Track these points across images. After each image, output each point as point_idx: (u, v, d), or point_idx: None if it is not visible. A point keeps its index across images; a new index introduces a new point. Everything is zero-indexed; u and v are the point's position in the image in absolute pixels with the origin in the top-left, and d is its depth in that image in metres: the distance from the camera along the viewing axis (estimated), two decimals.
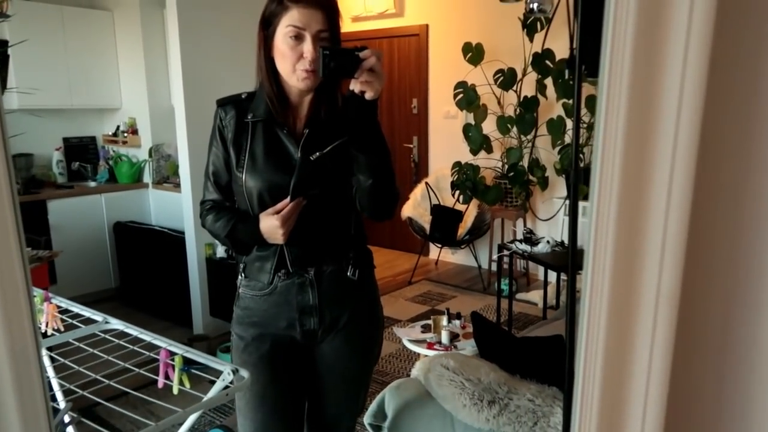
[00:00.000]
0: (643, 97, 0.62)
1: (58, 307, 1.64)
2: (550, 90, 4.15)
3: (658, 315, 0.65)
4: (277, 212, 1.32)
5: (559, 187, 4.52)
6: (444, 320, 2.82)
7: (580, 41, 1.33)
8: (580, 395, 0.71)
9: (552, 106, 4.29)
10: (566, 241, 3.94)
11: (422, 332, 2.91)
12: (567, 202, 4.38)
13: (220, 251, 3.62)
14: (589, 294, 0.67)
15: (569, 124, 4.17)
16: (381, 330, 1.57)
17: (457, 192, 4.51)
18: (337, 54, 1.20)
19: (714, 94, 0.62)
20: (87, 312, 1.62)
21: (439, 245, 5.00)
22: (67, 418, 1.11)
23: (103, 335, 1.51)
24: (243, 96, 1.41)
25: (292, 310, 1.41)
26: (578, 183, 1.31)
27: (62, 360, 1.37)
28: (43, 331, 1.54)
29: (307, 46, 1.25)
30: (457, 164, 4.49)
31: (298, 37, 1.26)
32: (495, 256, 4.23)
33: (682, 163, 0.62)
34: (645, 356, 0.67)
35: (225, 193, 1.45)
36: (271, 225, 1.32)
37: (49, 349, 1.52)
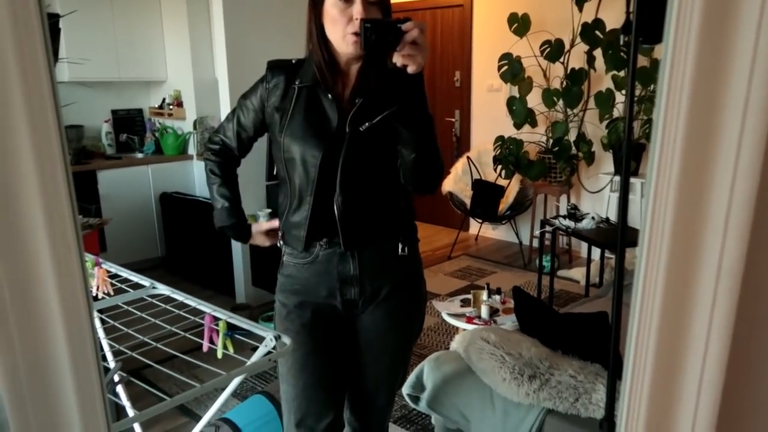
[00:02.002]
0: (711, 62, 0.58)
1: (108, 272, 1.69)
2: (599, 62, 4.01)
3: (718, 294, 0.62)
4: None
5: (606, 163, 4.40)
6: (484, 295, 2.80)
7: (638, 6, 1.26)
8: (631, 375, 0.69)
9: (600, 79, 4.15)
10: (612, 218, 3.84)
11: (461, 306, 2.90)
12: (614, 177, 4.26)
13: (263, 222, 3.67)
14: (644, 271, 0.64)
15: (618, 97, 4.03)
16: (423, 305, 1.56)
17: (500, 167, 4.44)
18: (379, 26, 1.17)
19: None
20: (135, 277, 1.66)
21: (480, 220, 4.95)
22: (116, 378, 1.15)
23: (150, 300, 1.55)
24: (293, 61, 1.41)
25: (332, 280, 1.42)
26: (630, 157, 1.26)
27: (112, 322, 1.42)
28: (93, 294, 1.59)
29: (357, 8, 1.23)
30: (500, 138, 4.41)
31: (348, 0, 1.24)
32: (537, 232, 4.16)
33: (750, 132, 0.58)
34: (702, 338, 0.64)
35: (239, 144, 1.51)
36: (260, 240, 1.57)
37: (100, 311, 1.58)
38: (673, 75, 0.60)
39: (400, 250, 1.43)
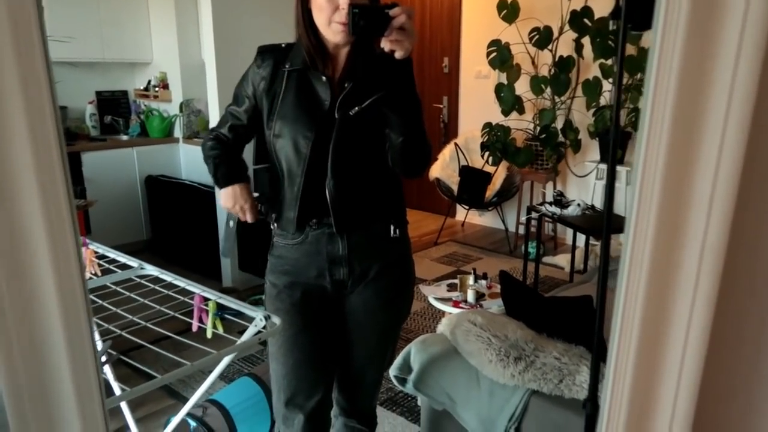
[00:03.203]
0: (699, 48, 0.59)
1: (96, 252, 1.68)
2: (587, 50, 4.03)
3: (701, 275, 0.64)
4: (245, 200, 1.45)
5: (592, 151, 4.43)
6: (470, 279, 2.82)
7: None
8: (615, 355, 0.71)
9: (588, 67, 4.17)
10: (597, 205, 3.88)
11: (448, 291, 2.92)
12: (599, 165, 4.30)
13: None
14: (630, 254, 0.66)
15: (605, 85, 4.06)
16: (412, 286, 1.58)
17: (487, 153, 4.45)
18: (367, 12, 1.17)
19: None
20: (123, 258, 1.66)
21: (467, 207, 4.98)
22: (104, 357, 1.16)
23: (138, 280, 1.55)
24: (283, 45, 1.42)
25: (322, 260, 1.43)
26: (617, 144, 1.27)
27: (100, 302, 1.42)
28: None
29: None
30: (488, 125, 4.42)
31: None
32: (523, 219, 4.20)
33: (736, 118, 0.59)
34: (684, 318, 0.66)
35: (236, 136, 1.49)
36: (239, 195, 1.44)
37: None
38: (662, 60, 0.61)
39: (391, 232, 1.44)
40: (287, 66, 1.38)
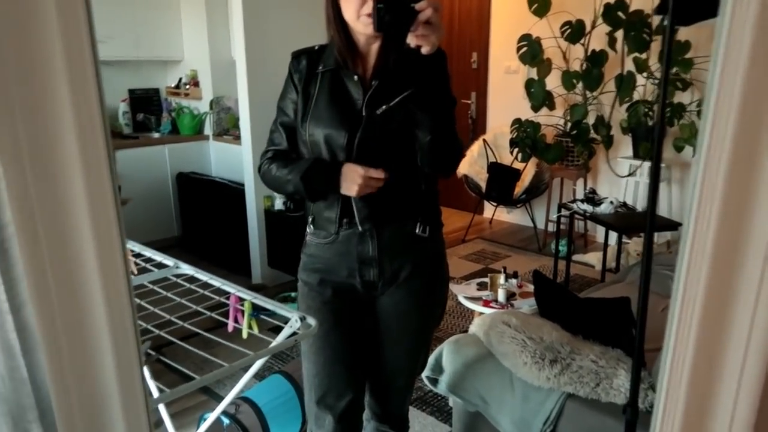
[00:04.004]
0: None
1: (132, 251, 1.71)
2: (620, 43, 3.94)
3: (763, 284, 0.61)
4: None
5: (624, 146, 4.35)
6: (501, 278, 2.80)
7: None
8: (669, 368, 0.69)
9: (621, 61, 4.09)
10: (629, 202, 3.81)
11: (478, 290, 2.90)
12: (633, 162, 4.21)
13: (279, 203, 3.68)
14: (687, 261, 0.64)
15: (639, 80, 3.97)
16: (445, 289, 1.55)
17: (516, 150, 4.40)
18: (392, 6, 1.15)
19: None
20: (158, 256, 1.68)
21: (495, 204, 4.93)
22: (143, 357, 1.17)
23: (174, 279, 1.57)
24: (316, 47, 1.41)
25: (352, 260, 1.43)
26: (662, 142, 1.24)
27: (138, 301, 1.44)
28: None
29: None
30: (517, 121, 4.37)
31: None
32: (554, 216, 4.14)
33: None
34: (744, 330, 0.63)
35: (294, 143, 1.45)
36: (353, 171, 1.31)
37: None
38: (726, 63, 0.58)
39: (419, 231, 1.42)
40: (321, 67, 1.38)
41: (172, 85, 4.70)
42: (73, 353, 0.71)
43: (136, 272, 1.66)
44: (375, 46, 1.35)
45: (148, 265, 1.65)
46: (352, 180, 1.31)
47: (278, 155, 1.46)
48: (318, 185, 1.37)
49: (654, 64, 3.92)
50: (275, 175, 1.44)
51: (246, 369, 1.52)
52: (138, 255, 1.70)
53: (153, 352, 1.17)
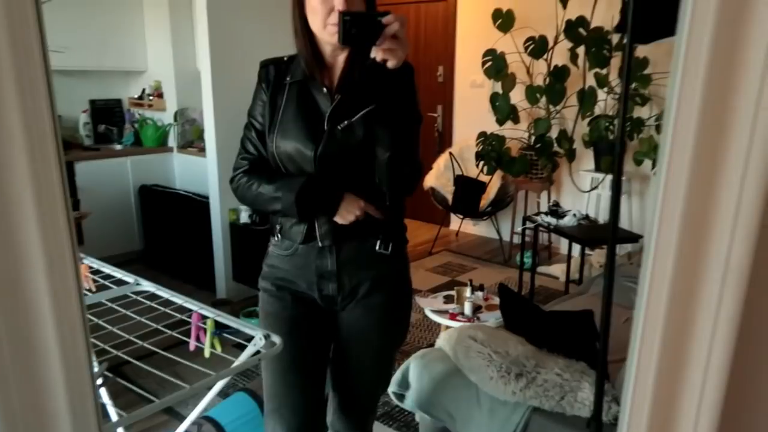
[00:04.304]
0: (725, 62, 0.58)
1: (90, 267, 1.65)
2: (582, 59, 4.04)
3: (724, 295, 0.62)
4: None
5: (587, 160, 4.44)
6: (467, 291, 2.81)
7: (632, 8, 1.27)
8: (634, 380, 0.69)
9: (583, 76, 4.18)
10: (591, 215, 3.89)
11: (444, 303, 2.90)
12: (594, 175, 4.30)
13: (244, 216, 3.63)
14: (651, 272, 0.65)
15: (600, 95, 4.07)
16: (407, 307, 1.51)
17: (482, 163, 4.45)
18: (359, 19, 1.14)
19: None
20: (118, 273, 1.63)
21: (461, 216, 4.97)
22: (100, 380, 1.13)
23: (134, 296, 1.52)
24: (285, 58, 1.40)
25: (311, 274, 1.41)
26: (623, 155, 1.27)
27: (95, 320, 1.39)
28: None
29: None
30: (483, 134, 4.42)
31: None
32: (519, 229, 4.19)
33: (762, 135, 0.58)
34: (705, 341, 0.65)
35: (264, 154, 1.41)
36: (355, 201, 1.32)
37: None
38: (686, 75, 0.60)
39: (380, 248, 1.39)
40: (288, 78, 1.36)
41: (135, 96, 4.61)
42: (20, 380, 0.67)
43: (94, 289, 1.61)
44: (341, 58, 1.33)
45: (107, 282, 1.60)
46: (350, 211, 1.31)
47: (255, 167, 1.40)
48: (313, 207, 1.33)
49: (614, 79, 4.03)
50: (258, 191, 1.38)
51: (209, 387, 1.48)
52: (97, 272, 1.65)
53: (110, 374, 1.13)
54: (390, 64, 1.16)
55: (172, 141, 4.48)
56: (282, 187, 1.33)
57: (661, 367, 0.69)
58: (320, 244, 1.37)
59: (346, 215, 1.32)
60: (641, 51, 3.94)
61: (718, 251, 0.62)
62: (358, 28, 1.13)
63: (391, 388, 1.91)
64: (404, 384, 1.90)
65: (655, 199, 0.65)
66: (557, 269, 4.26)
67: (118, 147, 4.43)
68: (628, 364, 0.73)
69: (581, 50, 4.02)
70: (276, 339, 1.25)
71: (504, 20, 4.27)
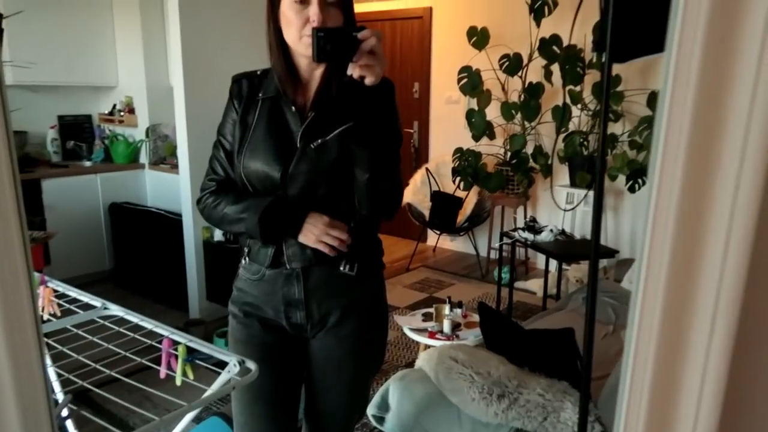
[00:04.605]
0: (715, 79, 0.56)
1: (55, 291, 1.58)
2: (556, 76, 4.09)
3: (717, 317, 0.60)
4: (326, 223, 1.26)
5: (562, 175, 4.48)
6: (446, 309, 2.78)
7: (611, 26, 1.27)
8: (627, 402, 0.67)
9: (557, 93, 4.23)
10: (567, 230, 3.90)
11: (423, 321, 2.87)
12: (569, 189, 4.34)
13: (218, 234, 3.56)
14: (643, 290, 0.62)
15: (574, 111, 4.12)
16: (381, 337, 1.45)
17: (458, 178, 4.46)
18: (333, 35, 1.10)
19: None
20: (85, 297, 1.56)
21: (438, 232, 4.96)
22: (65, 412, 1.07)
23: (102, 321, 1.46)
24: (258, 72, 1.35)
25: (278, 301, 1.35)
26: (603, 171, 1.26)
27: (59, 348, 1.32)
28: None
29: (313, 9, 1.17)
30: (459, 150, 4.44)
31: (304, 2, 1.18)
32: (496, 244, 4.20)
33: (752, 157, 0.56)
34: (700, 363, 0.62)
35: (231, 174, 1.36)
36: (318, 221, 1.26)
37: (46, 335, 1.47)
38: (676, 92, 0.58)
39: (350, 272, 1.32)
40: (261, 94, 1.32)
41: (106, 112, 4.52)
42: None
43: (59, 314, 1.53)
44: (317, 73, 1.29)
45: (72, 307, 1.53)
46: (311, 231, 1.26)
47: (222, 188, 1.36)
48: (277, 229, 1.28)
49: (588, 96, 4.08)
50: (224, 212, 1.33)
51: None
52: (62, 295, 1.58)
53: (75, 407, 1.06)
54: (367, 81, 1.12)
55: (143, 157, 4.40)
56: (247, 208, 1.29)
57: (655, 385, 0.67)
58: (288, 267, 1.31)
59: (309, 234, 1.26)
60: (614, 69, 4.00)
61: (713, 260, 0.60)
62: (332, 44, 1.09)
63: (371, 411, 1.86)
64: (384, 406, 1.85)
65: (647, 210, 0.63)
66: (535, 284, 4.26)
67: (88, 164, 4.32)
68: (621, 383, 0.71)
69: (555, 68, 4.07)
70: (251, 365, 1.20)
71: (479, 38, 4.31)
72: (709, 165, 0.60)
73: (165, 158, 4.33)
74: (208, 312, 3.64)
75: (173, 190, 3.88)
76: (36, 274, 1.61)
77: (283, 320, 1.37)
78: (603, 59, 1.11)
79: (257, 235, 1.29)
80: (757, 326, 0.68)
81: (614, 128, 4.09)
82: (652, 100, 3.74)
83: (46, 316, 1.50)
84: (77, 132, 4.48)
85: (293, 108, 1.28)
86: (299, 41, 1.21)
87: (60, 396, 1.33)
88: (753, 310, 0.65)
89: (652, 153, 0.62)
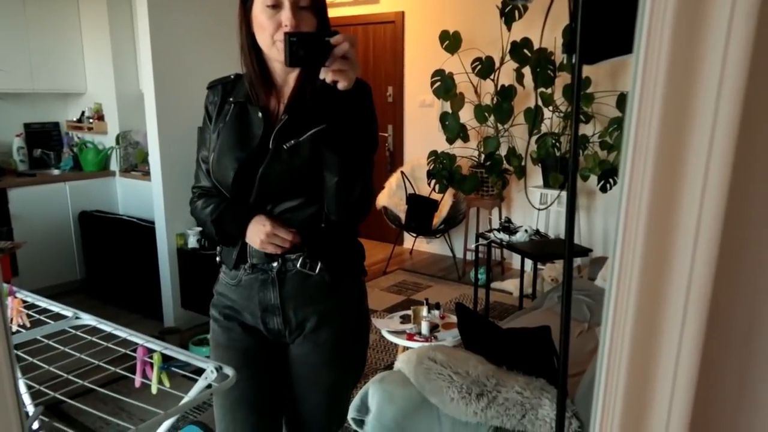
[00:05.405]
0: (683, 80, 0.58)
1: (24, 301, 1.54)
2: (527, 79, 4.14)
3: (688, 312, 0.62)
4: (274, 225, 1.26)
5: (536, 176, 4.53)
6: (424, 311, 2.79)
7: (575, 27, 1.29)
8: (602, 397, 0.68)
9: (529, 95, 4.29)
10: (542, 230, 3.95)
11: (401, 323, 2.87)
12: (543, 190, 4.39)
13: (192, 241, 3.52)
14: (616, 290, 0.63)
15: (546, 113, 4.18)
16: (361, 343, 1.44)
17: (433, 181, 4.48)
18: (306, 40, 1.09)
19: (757, 79, 0.59)
20: (56, 307, 1.53)
21: (414, 234, 4.98)
22: (36, 424, 1.04)
23: (74, 332, 1.43)
24: (231, 77, 1.35)
25: (255, 307, 1.35)
26: (576, 172, 1.28)
27: (29, 359, 1.29)
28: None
29: (286, 14, 1.17)
30: (433, 153, 4.46)
31: (276, 6, 1.18)
32: (472, 245, 4.22)
33: (719, 155, 0.58)
34: (672, 357, 0.64)
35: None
36: (259, 224, 1.26)
37: (15, 347, 1.43)
38: (644, 94, 0.59)
39: (309, 270, 1.30)
40: (231, 99, 1.32)
41: (74, 119, 4.43)
42: None
43: (29, 325, 1.50)
44: (292, 77, 1.29)
45: (42, 317, 1.49)
46: (255, 233, 1.27)
47: (203, 193, 1.39)
48: (230, 230, 1.32)
49: (559, 98, 4.14)
50: (198, 215, 1.39)
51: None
52: (31, 306, 1.54)
53: (46, 419, 1.04)
54: (340, 85, 1.12)
55: (114, 165, 4.32)
56: (213, 211, 1.34)
57: (629, 379, 0.68)
58: (253, 263, 1.32)
59: (254, 238, 1.27)
60: (584, 71, 4.07)
61: (683, 257, 0.62)
62: (305, 49, 1.09)
63: (350, 414, 1.85)
64: (363, 409, 1.84)
65: (619, 209, 0.65)
66: (510, 284, 4.30)
67: (56, 172, 4.23)
68: (596, 379, 0.72)
69: (527, 70, 4.12)
70: (229, 371, 1.19)
71: (451, 42, 4.34)
72: (678, 163, 0.61)
73: (136, 165, 4.26)
74: (183, 320, 3.59)
75: (145, 197, 3.82)
76: (5, 285, 1.56)
77: (260, 325, 1.36)
78: (573, 60, 1.13)
79: (213, 236, 1.35)
80: (727, 320, 0.69)
81: (585, 129, 4.15)
82: (622, 101, 3.81)
83: (15, 328, 1.46)
84: (44, 140, 4.38)
85: (259, 113, 1.28)
86: (272, 46, 1.21)
87: (30, 408, 1.30)
88: (722, 304, 0.67)
89: (623, 152, 0.63)
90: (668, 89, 0.58)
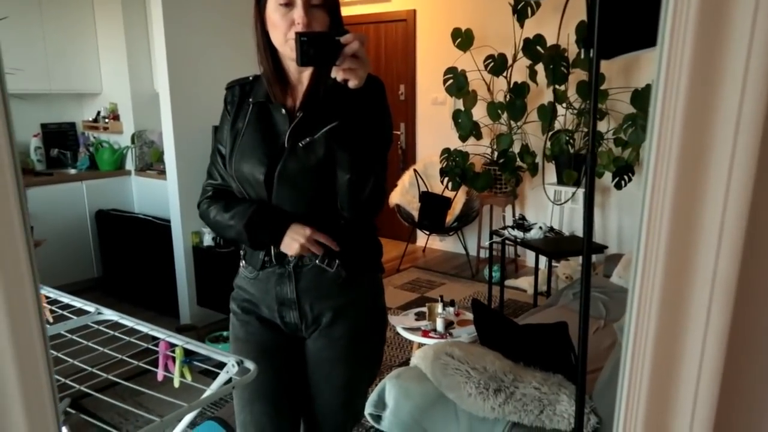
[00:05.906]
0: (705, 73, 0.58)
1: (47, 297, 1.57)
2: (540, 76, 4.13)
3: (712, 311, 0.62)
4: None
5: (549, 173, 4.52)
6: (439, 308, 2.79)
7: (592, 22, 1.29)
8: (626, 393, 0.68)
9: (542, 92, 4.27)
10: (556, 227, 3.94)
11: (416, 320, 2.88)
12: (556, 187, 4.37)
13: (208, 239, 3.55)
14: (639, 285, 0.64)
15: (559, 110, 4.16)
16: (377, 339, 1.44)
17: (446, 179, 4.48)
18: (316, 39, 1.11)
19: None
20: (78, 302, 1.55)
21: (427, 232, 4.98)
22: (61, 418, 1.06)
23: (96, 326, 1.45)
24: (250, 78, 1.36)
25: (272, 300, 1.37)
26: (594, 168, 1.28)
27: (55, 353, 1.31)
28: None
29: (298, 12, 1.18)
30: (446, 151, 4.46)
31: (289, 4, 1.19)
32: (486, 243, 4.22)
33: (743, 150, 0.58)
34: (696, 355, 0.64)
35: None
36: (300, 229, 1.27)
37: None
38: (668, 88, 0.59)
39: (327, 267, 1.31)
40: (251, 99, 1.33)
41: (90, 119, 4.48)
42: None
43: (52, 320, 1.52)
44: (306, 75, 1.30)
45: (65, 312, 1.52)
46: (294, 239, 1.26)
47: (218, 193, 1.39)
48: (262, 236, 1.30)
49: (572, 95, 4.12)
50: (215, 218, 1.37)
51: (180, 419, 1.41)
52: (54, 302, 1.57)
53: (73, 411, 1.06)
54: (351, 84, 1.13)
55: (129, 164, 4.36)
56: (235, 215, 1.32)
57: (653, 376, 0.68)
58: (275, 263, 1.33)
59: (292, 244, 1.27)
60: (603, 67, 4.05)
61: (707, 253, 0.62)
62: (315, 48, 1.10)
63: (367, 410, 1.87)
64: (380, 405, 1.86)
65: (642, 203, 0.65)
66: (525, 282, 4.29)
67: (73, 171, 4.29)
68: (620, 376, 0.72)
69: (540, 67, 4.10)
70: (250, 365, 1.20)
71: (463, 39, 4.34)
72: (702, 159, 0.61)
73: (152, 164, 4.30)
74: (199, 317, 3.62)
75: (161, 195, 3.86)
76: None
77: (277, 319, 1.38)
78: (591, 55, 1.13)
79: (245, 242, 1.32)
80: (752, 317, 0.69)
81: (599, 126, 4.13)
82: (636, 97, 3.78)
83: None
84: (61, 140, 4.44)
85: (283, 110, 1.29)
86: (285, 44, 1.23)
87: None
88: (747, 300, 0.67)
89: (646, 148, 0.63)
90: (692, 83, 0.59)
